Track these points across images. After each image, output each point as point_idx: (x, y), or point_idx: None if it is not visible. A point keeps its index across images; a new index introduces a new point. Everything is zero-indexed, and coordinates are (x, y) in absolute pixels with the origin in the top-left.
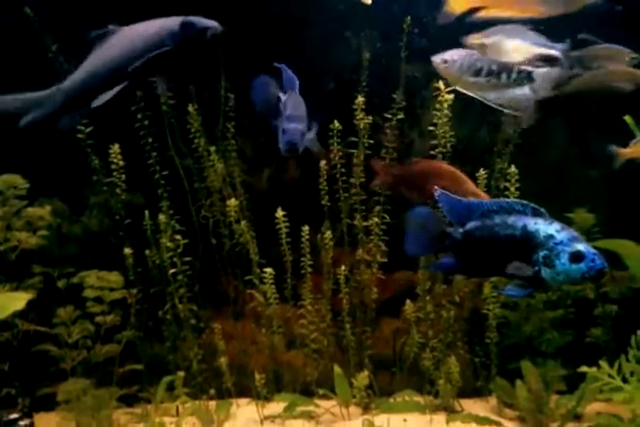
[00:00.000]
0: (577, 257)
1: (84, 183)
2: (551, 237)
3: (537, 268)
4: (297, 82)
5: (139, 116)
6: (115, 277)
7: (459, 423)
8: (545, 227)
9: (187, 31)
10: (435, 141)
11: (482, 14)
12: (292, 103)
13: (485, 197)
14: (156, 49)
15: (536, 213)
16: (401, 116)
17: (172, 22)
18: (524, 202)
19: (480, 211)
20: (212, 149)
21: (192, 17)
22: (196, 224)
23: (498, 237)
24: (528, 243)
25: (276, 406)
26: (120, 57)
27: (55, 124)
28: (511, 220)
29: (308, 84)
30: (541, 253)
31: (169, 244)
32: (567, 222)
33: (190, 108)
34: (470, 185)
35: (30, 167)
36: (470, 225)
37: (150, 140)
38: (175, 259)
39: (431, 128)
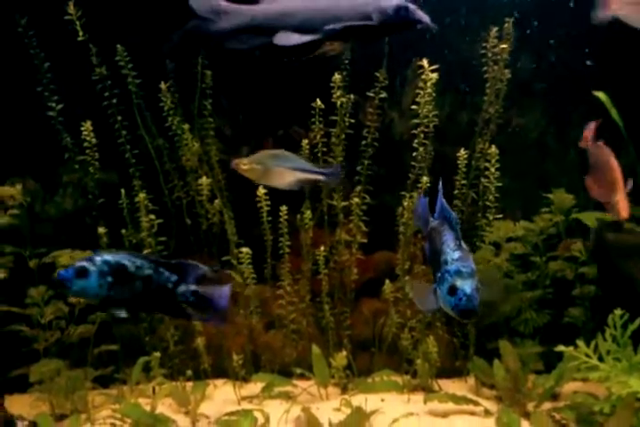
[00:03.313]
0: (452, 290)
1: (57, 162)
2: (446, 262)
3: (435, 285)
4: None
5: (106, 93)
6: None
7: (436, 403)
8: (450, 251)
9: (398, 16)
10: (417, 120)
11: None
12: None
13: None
14: (360, 20)
15: (456, 236)
16: (383, 95)
17: (389, 2)
18: (457, 221)
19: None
20: (186, 127)
21: (411, 4)
22: (169, 204)
23: (433, 244)
24: (441, 259)
25: (253, 387)
26: (322, 10)
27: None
28: (444, 233)
29: None
30: (438, 274)
31: (145, 223)
32: (546, 203)
33: (162, 86)
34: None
35: (1, 146)
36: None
37: (119, 118)
38: (150, 239)
39: (414, 107)
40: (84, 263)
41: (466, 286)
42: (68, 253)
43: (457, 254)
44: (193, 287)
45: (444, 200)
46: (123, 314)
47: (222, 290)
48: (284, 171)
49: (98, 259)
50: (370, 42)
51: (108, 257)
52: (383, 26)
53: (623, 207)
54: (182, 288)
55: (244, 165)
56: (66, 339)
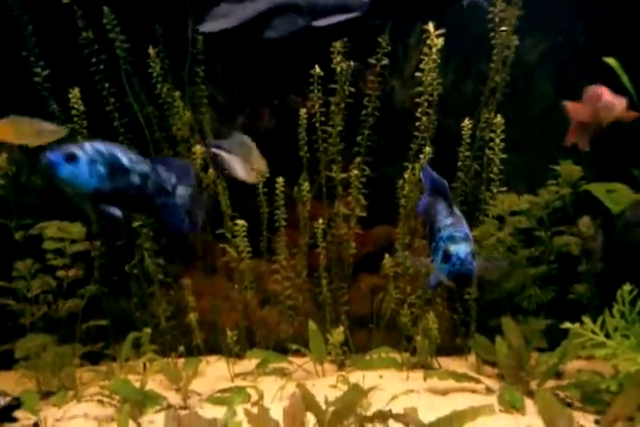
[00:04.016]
0: (446, 257)
1: None
2: (439, 230)
3: (431, 257)
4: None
5: (93, 59)
6: (76, 229)
7: (435, 380)
8: (443, 218)
9: None
10: (420, 88)
11: None
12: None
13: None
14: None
15: (448, 202)
16: (385, 62)
17: None
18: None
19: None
20: (177, 94)
21: None
22: None
23: (428, 217)
24: (434, 229)
25: (247, 364)
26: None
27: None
28: (437, 203)
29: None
30: (433, 244)
31: None
32: (553, 176)
33: (151, 51)
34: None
35: None
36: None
37: (107, 85)
38: None
39: (417, 74)
40: (74, 148)
41: (459, 249)
42: (55, 224)
43: (449, 220)
44: (191, 190)
45: (431, 171)
46: (116, 212)
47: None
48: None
49: (89, 146)
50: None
51: (101, 146)
52: (424, 2)
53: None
54: (181, 191)
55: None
56: (53, 314)
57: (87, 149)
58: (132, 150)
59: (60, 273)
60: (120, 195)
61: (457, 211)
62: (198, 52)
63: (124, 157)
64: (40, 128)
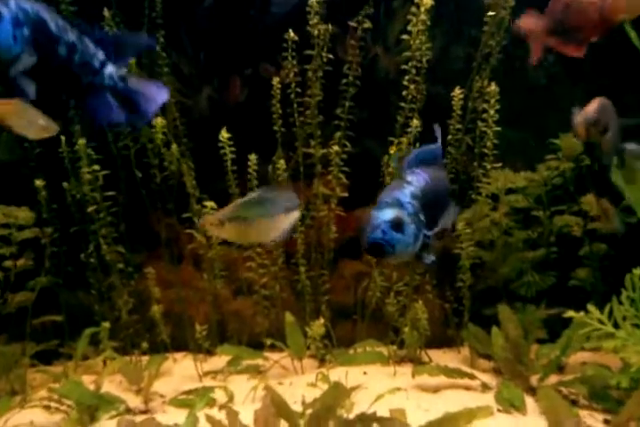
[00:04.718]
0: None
1: None
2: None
3: None
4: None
5: None
6: (24, 214)
7: (426, 376)
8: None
9: None
10: (407, 53)
11: None
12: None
13: None
14: None
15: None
16: (367, 25)
17: None
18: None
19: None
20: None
21: None
22: (114, 151)
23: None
24: None
25: (218, 361)
26: None
27: None
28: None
29: None
30: None
31: (88, 175)
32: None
33: (106, 13)
34: None
35: None
36: None
37: None
38: (95, 193)
39: (404, 37)
40: None
41: (377, 215)
42: (0, 208)
43: (408, 178)
44: (124, 72)
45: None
46: (31, 89)
47: (158, 87)
48: (275, 218)
49: (13, 3)
50: None
51: (27, 5)
52: None
53: None
54: (110, 70)
55: (216, 225)
56: (0, 309)
57: (12, 7)
58: (59, 15)
59: (7, 263)
60: (41, 67)
61: (410, 177)
62: (157, 16)
63: (52, 21)
64: (44, 122)
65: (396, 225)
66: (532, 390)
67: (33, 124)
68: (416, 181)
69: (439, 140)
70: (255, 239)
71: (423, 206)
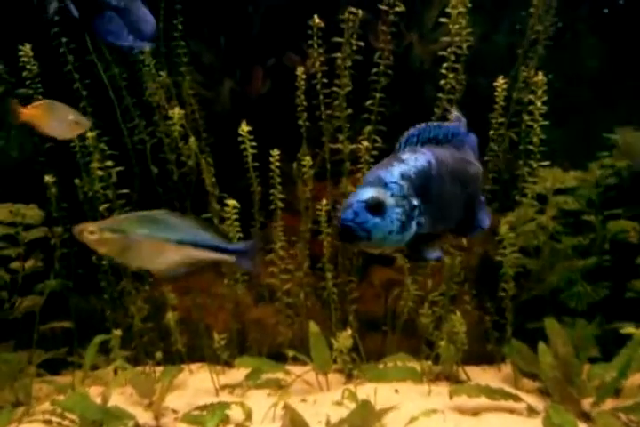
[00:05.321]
0: None
1: None
2: None
3: None
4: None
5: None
6: (32, 212)
7: (464, 397)
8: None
9: None
10: (446, 39)
11: None
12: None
13: None
14: None
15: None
16: (401, 8)
17: None
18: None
19: None
20: (147, 49)
21: None
22: (129, 146)
23: None
24: None
25: (236, 373)
26: None
27: None
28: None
29: None
30: None
31: (100, 172)
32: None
33: None
34: None
35: None
36: None
37: (65, 39)
38: (108, 191)
39: (443, 20)
40: None
41: (353, 195)
42: (6, 206)
43: (376, 166)
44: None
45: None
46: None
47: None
48: (163, 244)
49: None
50: None
51: None
52: None
53: None
54: None
55: (92, 233)
56: (7, 313)
57: None
58: None
59: (15, 265)
60: None
61: (402, 153)
62: (176, 1)
63: None
64: (76, 118)
65: (374, 206)
66: (584, 416)
67: (64, 121)
68: (413, 160)
69: (462, 118)
70: (136, 263)
71: (421, 192)
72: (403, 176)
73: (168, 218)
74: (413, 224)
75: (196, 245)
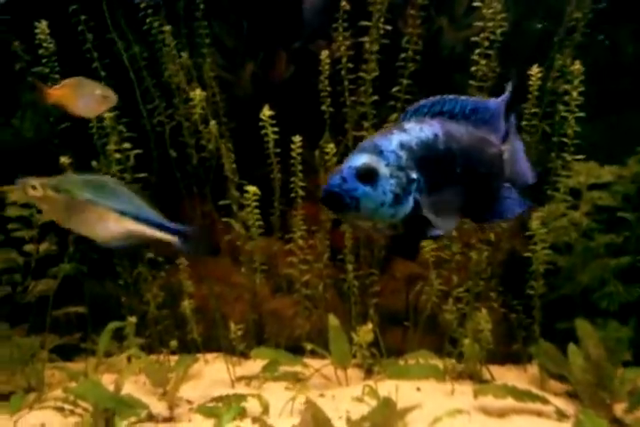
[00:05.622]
0: None
1: (13, 78)
2: None
3: None
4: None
5: None
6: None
7: (490, 397)
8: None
9: None
10: (479, 24)
11: None
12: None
13: None
14: None
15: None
16: None
17: None
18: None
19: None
20: (167, 28)
21: None
22: (148, 127)
23: None
24: None
25: (252, 365)
26: None
27: None
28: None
29: None
30: None
31: (117, 154)
32: None
33: None
34: None
35: None
36: None
37: (84, 17)
38: (126, 174)
39: (476, 3)
40: None
41: (346, 161)
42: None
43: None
44: None
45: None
46: None
47: None
48: (105, 212)
49: None
50: None
51: None
52: None
53: None
54: None
55: (35, 189)
56: (20, 297)
57: None
58: None
59: (28, 247)
60: None
61: (406, 123)
62: None
63: None
64: (104, 93)
65: (364, 174)
66: (617, 422)
67: (92, 97)
68: (417, 130)
69: (506, 95)
70: (76, 227)
71: (423, 166)
72: (402, 146)
73: (115, 187)
74: (410, 199)
75: (137, 218)
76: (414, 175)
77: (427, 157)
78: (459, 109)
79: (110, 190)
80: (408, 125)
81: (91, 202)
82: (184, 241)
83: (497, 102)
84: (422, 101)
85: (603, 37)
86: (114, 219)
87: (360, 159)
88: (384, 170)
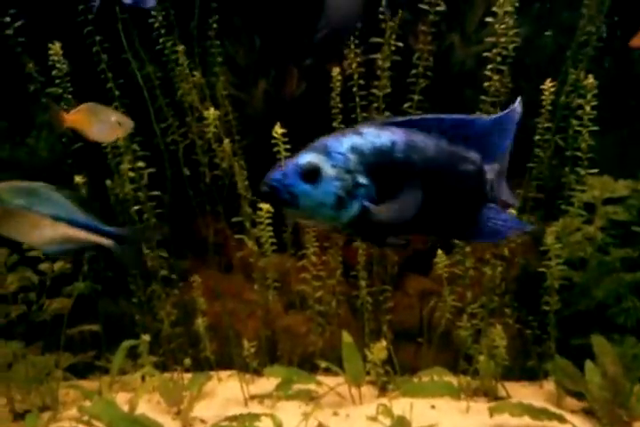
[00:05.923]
0: None
1: (28, 98)
2: None
3: None
4: None
5: (80, 6)
6: None
7: (506, 416)
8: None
9: None
10: (491, 39)
11: None
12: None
13: None
14: None
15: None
16: (442, 8)
17: None
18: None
19: None
20: (180, 48)
21: None
22: (161, 145)
23: None
24: None
25: (266, 383)
26: None
27: None
28: None
29: None
30: None
31: (131, 173)
32: None
33: None
34: None
35: None
36: None
37: (99, 38)
38: (139, 192)
39: (489, 19)
40: None
41: (292, 157)
42: None
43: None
44: None
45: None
46: None
47: None
48: (39, 218)
49: None
50: None
51: None
52: None
53: None
54: None
55: None
56: (35, 315)
57: None
58: None
59: (43, 266)
60: None
61: (370, 126)
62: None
63: None
64: (119, 119)
65: (307, 173)
66: None
67: (107, 124)
68: (373, 135)
69: (504, 112)
70: (11, 235)
71: (375, 172)
72: (353, 149)
73: (47, 192)
74: (355, 204)
75: (71, 223)
76: (363, 180)
77: (380, 164)
78: (434, 123)
79: (43, 196)
80: (364, 129)
81: (24, 208)
82: (119, 245)
83: (486, 120)
84: (396, 118)
85: (615, 49)
86: (48, 224)
87: (306, 157)
88: (329, 171)
